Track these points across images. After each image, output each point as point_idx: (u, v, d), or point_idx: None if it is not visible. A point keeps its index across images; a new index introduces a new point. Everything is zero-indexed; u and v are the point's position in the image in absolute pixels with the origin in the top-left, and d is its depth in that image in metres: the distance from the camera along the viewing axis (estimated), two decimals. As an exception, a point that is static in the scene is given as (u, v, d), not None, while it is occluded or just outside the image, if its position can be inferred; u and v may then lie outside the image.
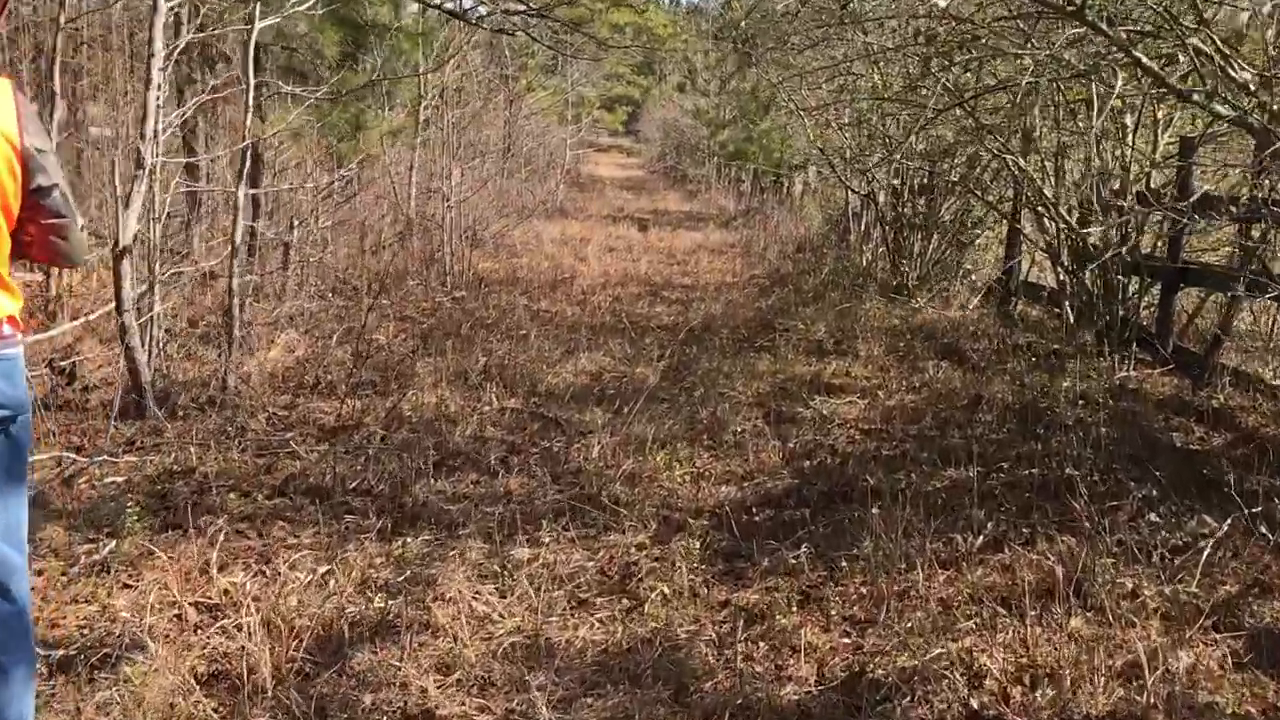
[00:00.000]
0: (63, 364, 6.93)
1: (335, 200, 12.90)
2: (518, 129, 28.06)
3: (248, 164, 6.62)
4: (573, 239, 18.06)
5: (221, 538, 4.50)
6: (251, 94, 6.64)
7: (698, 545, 4.70)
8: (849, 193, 15.96)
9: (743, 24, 11.94)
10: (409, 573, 4.37)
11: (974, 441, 6.03)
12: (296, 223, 10.41)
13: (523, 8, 19.96)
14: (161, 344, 7.12)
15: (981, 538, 4.68)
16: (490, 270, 13.93)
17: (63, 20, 8.50)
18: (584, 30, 24.98)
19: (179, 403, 6.75)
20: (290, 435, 6.34)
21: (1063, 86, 6.11)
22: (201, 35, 7.28)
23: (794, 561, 4.56)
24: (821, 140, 13.56)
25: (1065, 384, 7.00)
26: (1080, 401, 6.71)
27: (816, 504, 5.33)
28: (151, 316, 6.90)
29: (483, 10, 19.78)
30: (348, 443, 6.19)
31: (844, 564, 4.51)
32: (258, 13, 6.59)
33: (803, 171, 23.48)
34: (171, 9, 6.60)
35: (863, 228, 16.03)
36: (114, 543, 4.47)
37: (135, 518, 4.57)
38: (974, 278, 12.58)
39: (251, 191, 10.75)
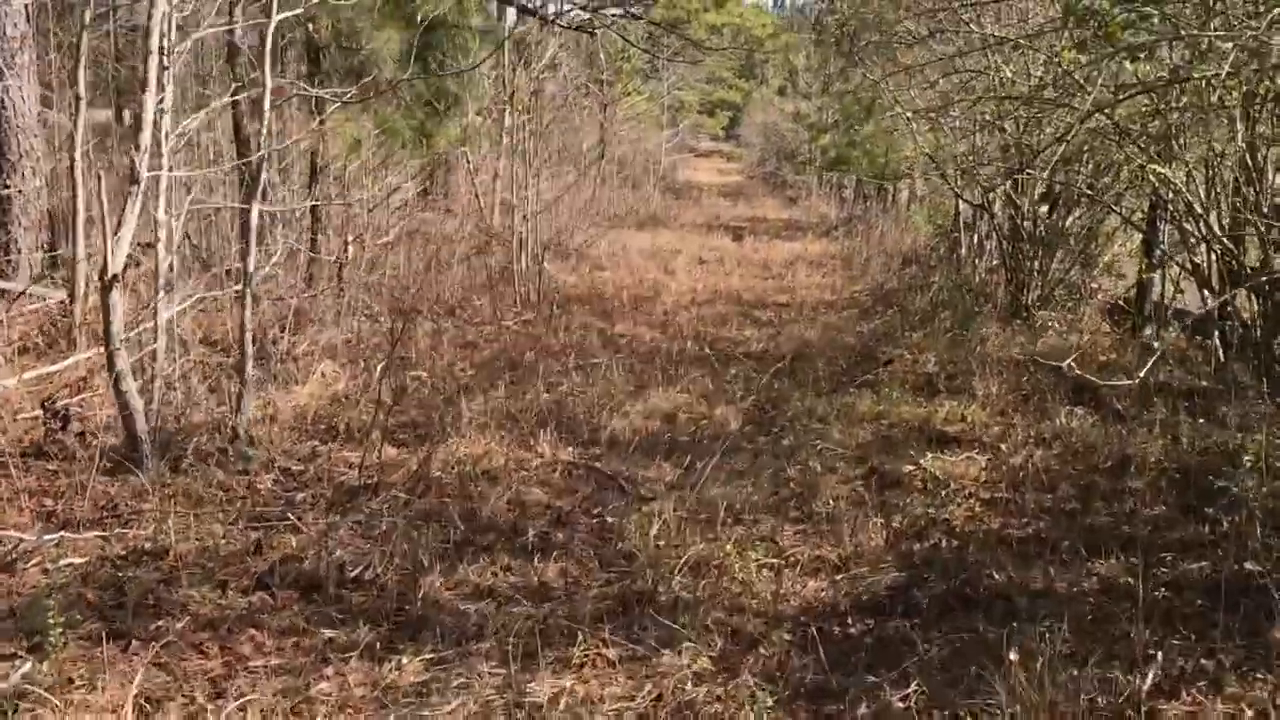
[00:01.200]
0: (57, 405, 6.06)
1: (404, 212, 12.05)
2: (612, 134, 27.20)
3: (263, 180, 5.71)
4: (662, 250, 17.02)
5: (168, 656, 3.54)
6: (269, 98, 5.73)
7: (774, 676, 3.61)
8: (960, 202, 14.71)
9: (843, 11, 10.73)
10: (392, 718, 3.35)
11: (1125, 520, 4.86)
12: (350, 238, 9.52)
13: (616, 10, 19.07)
14: (166, 384, 6.21)
15: (1151, 676, 3.53)
16: (571, 285, 12.96)
17: (88, 18, 7.73)
18: (679, 31, 24.09)
19: (183, 454, 5.84)
20: (301, 497, 5.40)
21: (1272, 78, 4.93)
22: (209, 30, 6.34)
23: (900, 707, 3.45)
24: (931, 145, 12.32)
25: (1228, 439, 5.77)
26: (1249, 462, 5.48)
27: (929, 612, 4.20)
28: (153, 351, 6.01)
29: (576, 11, 18.99)
30: (363, 510, 5.21)
31: None
32: (275, 2, 5.67)
33: (908, 178, 22.15)
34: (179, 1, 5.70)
35: (975, 240, 14.75)
36: (29, 664, 3.52)
37: (59, 629, 3.60)
38: (1102, 299, 11.26)
39: (310, 205, 9.95)
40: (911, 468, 6.04)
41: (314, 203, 8.33)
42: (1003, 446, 6.35)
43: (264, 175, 5.77)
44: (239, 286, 6.13)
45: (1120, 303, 10.67)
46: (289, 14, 5.99)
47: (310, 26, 9.72)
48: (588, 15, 17.76)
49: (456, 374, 8.09)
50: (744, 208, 27.48)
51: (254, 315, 8.06)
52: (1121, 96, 5.07)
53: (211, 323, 8.46)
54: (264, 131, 5.69)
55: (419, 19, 9.54)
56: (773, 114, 40.46)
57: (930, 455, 6.13)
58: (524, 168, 12.21)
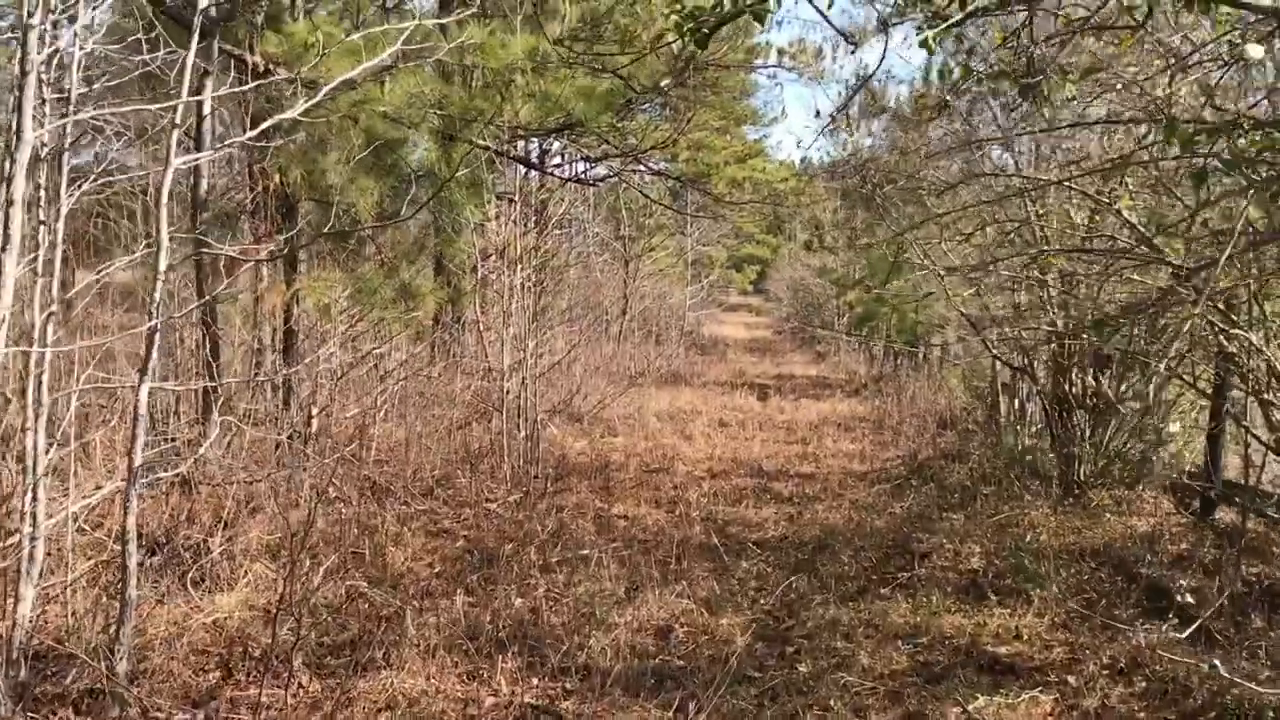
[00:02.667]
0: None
1: (396, 376, 11.04)
2: (634, 289, 26.45)
3: (154, 354, 4.68)
4: (681, 411, 15.94)
5: None
6: (165, 257, 4.73)
7: None
8: (996, 363, 13.61)
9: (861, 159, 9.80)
10: None
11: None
12: (315, 411, 8.48)
13: (638, 165, 18.39)
14: (44, 599, 5.08)
15: None
16: (577, 453, 11.86)
17: None
18: (700, 187, 23.45)
19: (50, 689, 4.69)
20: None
21: None
22: (91, 187, 5.39)
23: None
24: (965, 301, 11.26)
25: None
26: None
27: None
28: (31, 552, 4.90)
29: (601, 170, 18.29)
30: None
31: None
32: (174, 146, 4.71)
33: (940, 334, 21.12)
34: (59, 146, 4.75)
35: (1015, 405, 13.60)
36: None
37: None
38: (1161, 474, 10.02)
39: (283, 374, 8.98)
40: (958, 710, 4.80)
41: (211, 383, 7.24)
42: (1070, 680, 5.09)
43: (155, 349, 4.74)
44: (118, 483, 5.01)
45: (1184, 479, 9.45)
46: (194, 158, 5.03)
47: (279, 177, 8.86)
48: (605, 173, 17.10)
49: (419, 573, 6.92)
50: (770, 364, 26.51)
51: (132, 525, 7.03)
52: (1230, 252, 3.97)
53: (152, 512, 7.38)
54: (155, 299, 4.67)
55: (398, 170, 8.69)
56: (800, 269, 39.80)
57: (983, 698, 4.87)
58: (523, 327, 11.21)
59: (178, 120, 4.83)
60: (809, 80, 21.27)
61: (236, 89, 7.04)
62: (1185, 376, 8.47)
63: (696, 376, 21.96)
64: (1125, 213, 5.63)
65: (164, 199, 4.77)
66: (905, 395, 17.81)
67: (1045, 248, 7.87)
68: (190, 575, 6.41)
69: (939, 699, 4.91)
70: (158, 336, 4.76)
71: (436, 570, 7.02)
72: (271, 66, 9.13)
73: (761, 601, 6.55)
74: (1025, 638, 5.76)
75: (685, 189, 24.43)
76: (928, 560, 7.35)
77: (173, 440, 8.49)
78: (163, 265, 4.73)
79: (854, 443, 13.56)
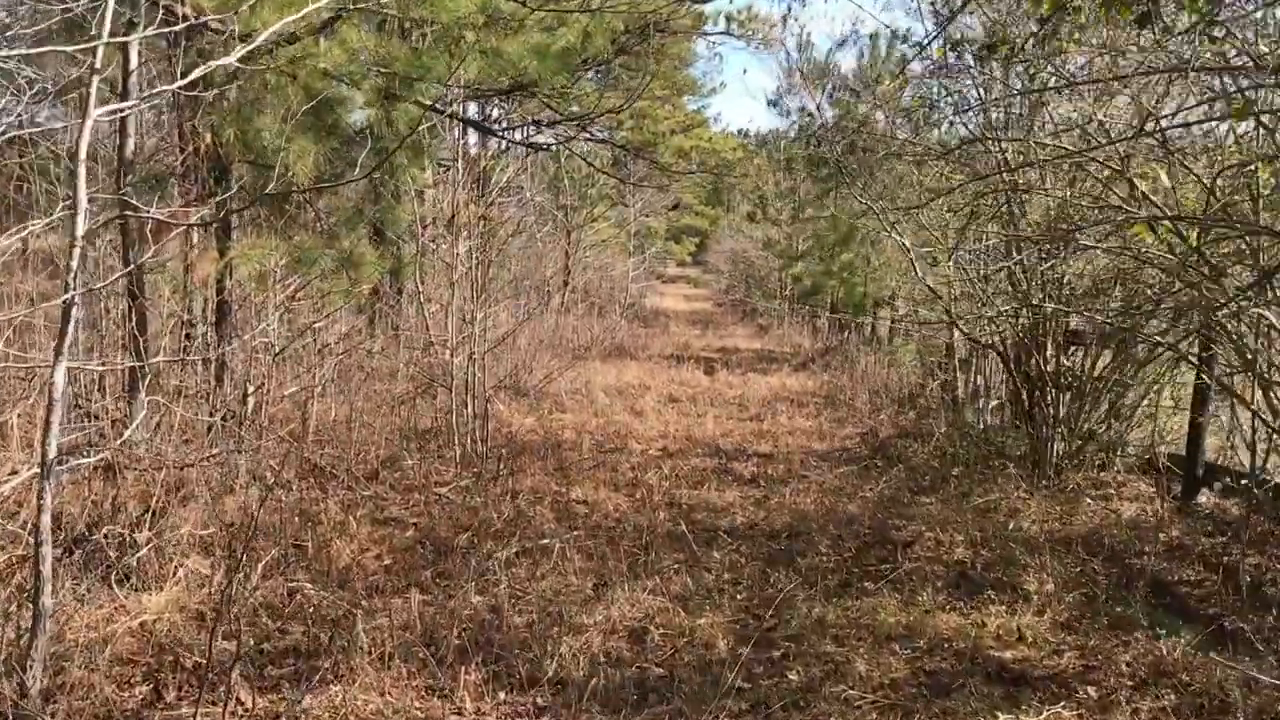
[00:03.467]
0: None
1: (335, 350, 10.43)
2: (577, 261, 25.91)
3: (70, 330, 4.08)
4: (630, 386, 15.46)
5: None
6: (82, 220, 4.14)
7: None
8: (953, 338, 13.25)
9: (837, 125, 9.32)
10: None
11: None
12: (250, 389, 7.88)
13: (585, 132, 17.77)
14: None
15: None
16: (526, 431, 11.33)
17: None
18: (647, 155, 22.91)
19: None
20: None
21: None
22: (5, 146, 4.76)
23: None
24: (933, 277, 10.85)
25: None
26: None
27: None
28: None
29: (548, 136, 17.64)
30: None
31: None
32: (93, 95, 4.11)
33: (889, 307, 20.81)
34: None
35: (974, 381, 13.27)
36: None
37: None
38: (1135, 454, 9.70)
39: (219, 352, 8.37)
40: (973, 727, 4.37)
41: (137, 361, 6.60)
42: (1090, 691, 4.68)
43: (73, 323, 4.15)
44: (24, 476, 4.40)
45: (1161, 460, 9.13)
46: (110, 109, 4.38)
47: (211, 137, 8.21)
48: (552, 140, 16.50)
49: (367, 567, 6.37)
50: (714, 337, 26.07)
51: (111, 493, 6.42)
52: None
53: (73, 499, 6.75)
54: (72, 269, 4.08)
55: (339, 131, 8.06)
56: (741, 241, 39.42)
57: (1003, 716, 4.42)
58: (471, 299, 10.59)
59: (98, 65, 4.22)
60: (757, 47, 20.69)
61: (164, 29, 6.40)
62: (1179, 350, 8.05)
63: (641, 350, 21.47)
64: (1140, 185, 5.20)
65: (81, 155, 4.17)
66: (856, 369, 17.47)
67: (1061, 224, 7.36)
68: (115, 572, 5.83)
69: (951, 715, 4.47)
70: (75, 310, 4.17)
71: (386, 564, 6.48)
72: (203, 17, 8.46)
73: (739, 597, 6.08)
74: (1030, 640, 5.34)
75: (630, 158, 23.86)
76: (910, 550, 6.92)
77: (96, 420, 7.86)
78: (80, 230, 4.13)
79: (808, 419, 13.15)
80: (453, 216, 9.03)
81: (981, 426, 11.92)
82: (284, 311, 9.35)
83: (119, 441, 6.05)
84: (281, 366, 9.35)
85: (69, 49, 4.41)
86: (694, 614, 5.70)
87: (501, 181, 14.10)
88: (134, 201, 7.51)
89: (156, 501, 6.35)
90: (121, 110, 5.36)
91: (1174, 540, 7.12)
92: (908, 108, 8.26)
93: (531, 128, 14.09)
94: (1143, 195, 5.32)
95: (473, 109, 17.02)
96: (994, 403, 12.91)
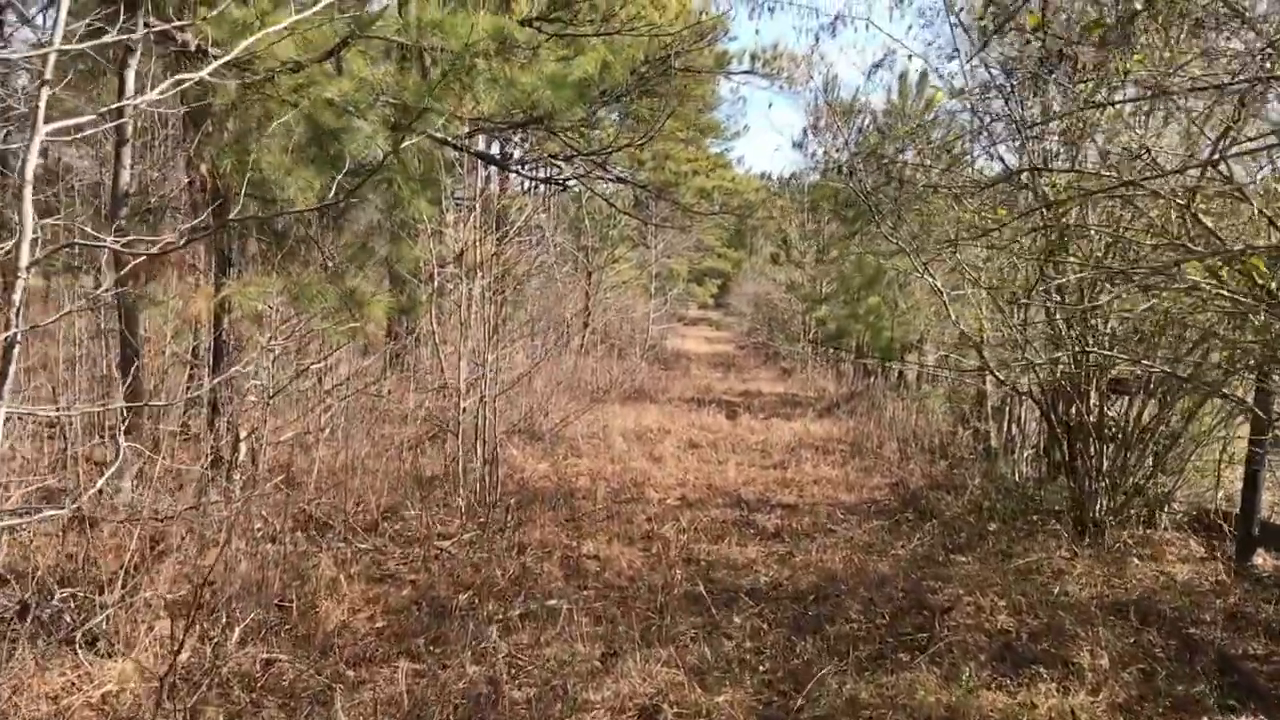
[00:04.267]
0: None
1: (339, 394, 9.97)
2: (597, 302, 25.47)
3: (10, 370, 3.62)
4: (649, 431, 14.95)
5: None
6: (27, 250, 3.68)
7: None
8: (986, 385, 12.71)
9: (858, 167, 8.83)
10: None
11: None
12: (243, 434, 7.41)
13: (604, 170, 17.36)
14: None
15: None
16: (539, 477, 10.83)
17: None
18: (668, 196, 22.49)
19: None
20: None
21: None
22: None
23: None
24: (968, 321, 10.31)
25: None
26: None
27: None
28: None
29: (566, 173, 17.23)
30: None
31: None
32: (41, 110, 3.66)
33: (917, 352, 20.26)
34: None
35: (1008, 430, 12.71)
36: None
37: None
38: (1181, 509, 9.12)
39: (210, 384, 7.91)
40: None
41: (95, 406, 6.09)
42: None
43: (12, 365, 3.68)
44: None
45: (1214, 515, 8.57)
46: (58, 125, 3.93)
47: (207, 168, 7.79)
48: (570, 175, 16.09)
49: (357, 630, 5.86)
50: (736, 380, 25.53)
51: (85, 549, 5.95)
52: None
53: (43, 553, 6.27)
54: (14, 302, 3.62)
55: (343, 163, 7.61)
56: (764, 283, 38.95)
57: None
58: (482, 340, 10.10)
59: (48, 75, 3.77)
60: (780, 87, 20.29)
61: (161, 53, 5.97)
62: (1235, 397, 7.49)
63: (661, 392, 20.96)
64: (1204, 219, 4.70)
65: (28, 177, 3.71)
66: (882, 416, 16.91)
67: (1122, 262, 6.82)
68: (81, 634, 5.34)
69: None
70: (15, 351, 3.69)
71: (378, 626, 5.96)
72: (204, 45, 8.09)
73: (762, 669, 5.54)
74: (1088, 726, 4.79)
75: (652, 199, 23.47)
76: (948, 617, 6.36)
77: (78, 463, 7.41)
78: (24, 260, 3.66)
79: (834, 468, 12.59)
80: (461, 253, 8.56)
81: (1017, 479, 11.36)
82: (284, 352, 8.90)
83: (88, 492, 5.56)
84: (280, 410, 8.90)
85: (15, 55, 3.95)
86: (712, 690, 5.16)
87: (519, 220, 13.69)
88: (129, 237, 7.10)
89: (131, 557, 5.86)
90: (79, 128, 4.90)
91: (1233, 607, 6.54)
92: (942, 142, 7.77)
93: (549, 164, 13.65)
94: (1205, 230, 4.81)
95: (492, 147, 16.66)
96: (1028, 453, 12.37)
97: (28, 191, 3.70)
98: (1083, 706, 4.97)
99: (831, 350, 26.92)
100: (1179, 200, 4.76)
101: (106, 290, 6.32)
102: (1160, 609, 6.46)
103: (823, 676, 5.37)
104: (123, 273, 4.87)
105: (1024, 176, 6.41)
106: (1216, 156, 4.60)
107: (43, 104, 3.72)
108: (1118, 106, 5.10)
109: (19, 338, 3.67)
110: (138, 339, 7.83)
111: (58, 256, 8.05)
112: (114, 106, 4.71)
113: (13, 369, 3.69)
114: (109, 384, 8.69)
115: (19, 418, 5.73)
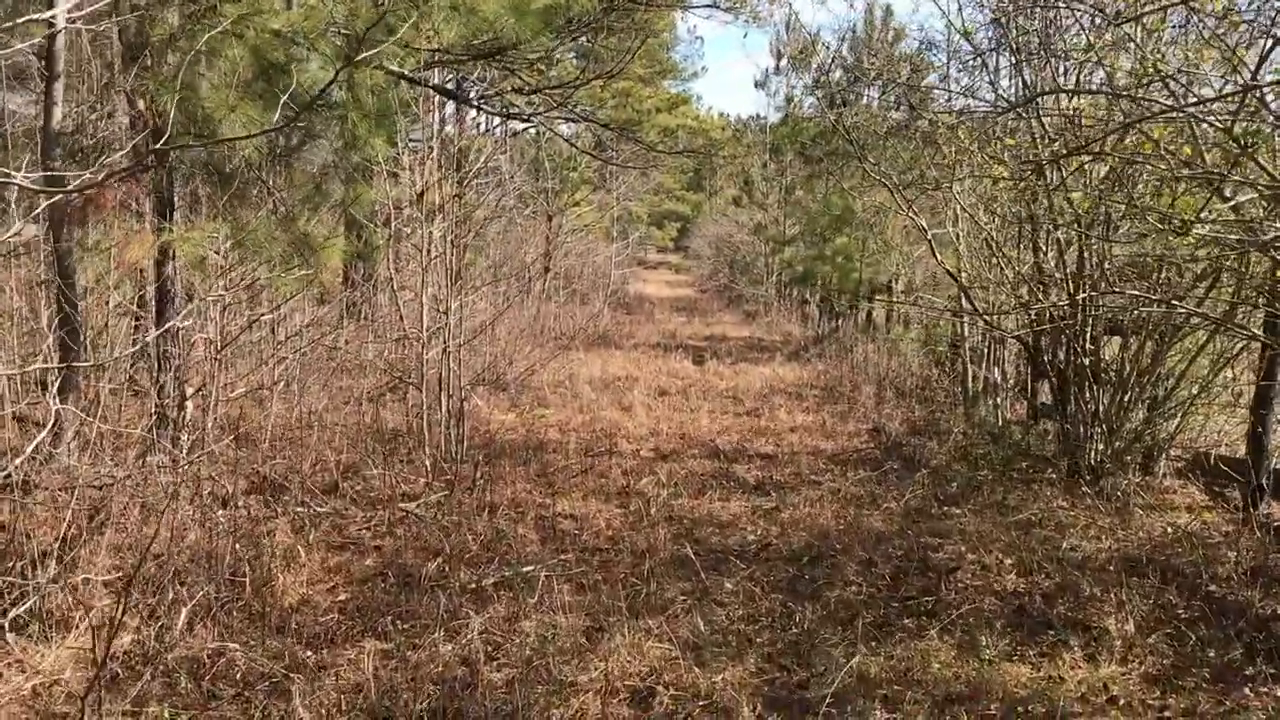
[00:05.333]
0: None
1: (295, 345, 9.42)
2: (558, 246, 24.87)
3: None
4: (616, 378, 14.48)
5: None
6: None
7: None
8: (962, 325, 12.27)
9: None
10: None
11: None
12: (189, 391, 6.86)
13: (564, 107, 16.70)
14: None
15: None
16: (507, 429, 10.36)
17: None
18: (631, 134, 21.83)
19: None
20: None
21: None
22: None
23: None
24: (951, 261, 9.86)
25: None
26: None
27: None
28: None
29: (526, 112, 16.53)
30: None
31: None
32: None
33: (888, 293, 19.85)
34: None
35: (991, 373, 12.32)
36: None
37: None
38: (1178, 454, 8.78)
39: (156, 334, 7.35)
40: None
41: (31, 366, 5.48)
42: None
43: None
44: None
45: (1214, 461, 8.20)
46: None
47: (144, 104, 7.17)
48: (529, 113, 15.43)
49: (317, 605, 5.37)
50: (700, 324, 25.08)
51: (16, 520, 5.41)
52: None
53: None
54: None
55: (293, 99, 7.00)
56: (726, 225, 38.40)
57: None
58: (444, 287, 9.53)
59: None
60: (746, 21, 19.62)
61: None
62: (1246, 329, 7.07)
63: (626, 338, 20.50)
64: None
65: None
66: (853, 359, 16.52)
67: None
68: (11, 618, 4.82)
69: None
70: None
71: (340, 600, 5.48)
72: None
73: (759, 641, 5.11)
74: (1123, 702, 4.38)
75: (614, 139, 22.82)
76: (954, 578, 5.95)
77: (35, 425, 6.86)
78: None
79: (809, 414, 12.17)
80: (422, 194, 7.99)
81: (1000, 424, 10.99)
82: (234, 301, 8.32)
83: (18, 459, 5.02)
84: (231, 364, 8.35)
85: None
86: (709, 667, 4.72)
87: (479, 162, 13.08)
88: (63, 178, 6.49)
89: (67, 529, 5.34)
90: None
91: (1254, 563, 6.17)
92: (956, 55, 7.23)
93: (510, 96, 13.01)
94: (1250, 160, 4.36)
95: (449, 86, 15.98)
96: (1007, 397, 12.02)
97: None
98: (1114, 679, 4.58)
99: (794, 290, 26.50)
100: (1218, 125, 4.29)
101: (12, 235, 5.72)
102: (1176, 564, 6.09)
103: (825, 646, 4.96)
104: (36, 213, 4.31)
105: (1049, 101, 5.91)
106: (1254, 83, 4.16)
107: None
108: (1150, 21, 4.62)
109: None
110: (74, 289, 7.24)
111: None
112: (40, 17, 4.14)
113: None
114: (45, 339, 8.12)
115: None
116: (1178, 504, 7.70)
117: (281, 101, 6.95)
